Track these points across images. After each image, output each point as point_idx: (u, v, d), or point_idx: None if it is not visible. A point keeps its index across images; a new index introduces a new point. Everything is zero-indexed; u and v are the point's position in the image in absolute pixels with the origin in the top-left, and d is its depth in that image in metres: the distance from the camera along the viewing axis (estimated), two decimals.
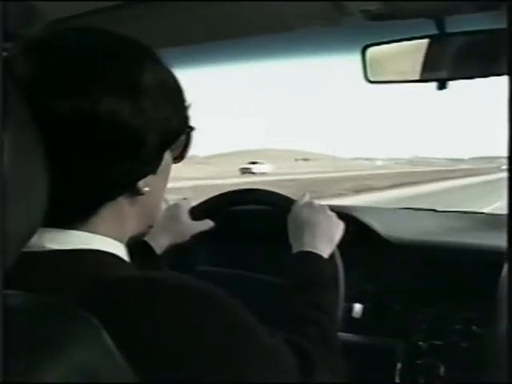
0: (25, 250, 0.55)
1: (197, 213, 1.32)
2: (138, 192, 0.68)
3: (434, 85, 1.16)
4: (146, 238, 1.20)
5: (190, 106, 0.74)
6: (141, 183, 0.68)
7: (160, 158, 0.71)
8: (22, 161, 0.48)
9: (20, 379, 0.45)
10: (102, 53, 0.64)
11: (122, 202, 0.69)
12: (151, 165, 0.69)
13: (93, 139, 0.61)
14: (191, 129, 0.76)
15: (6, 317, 0.45)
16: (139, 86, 0.64)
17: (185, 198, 1.49)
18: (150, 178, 0.69)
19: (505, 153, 0.53)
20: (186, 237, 1.27)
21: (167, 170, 0.75)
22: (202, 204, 1.35)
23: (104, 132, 0.61)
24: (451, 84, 1.14)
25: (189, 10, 1.16)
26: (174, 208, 1.32)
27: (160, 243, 1.21)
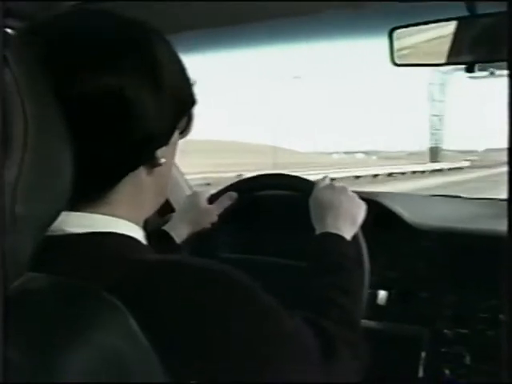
0: (47, 234, 0.56)
1: (215, 200, 1.31)
2: (156, 162, 0.71)
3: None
4: (165, 228, 1.20)
5: (194, 81, 0.76)
6: (158, 153, 0.70)
7: (173, 129, 0.73)
8: (45, 143, 0.48)
9: (46, 362, 0.44)
10: (116, 31, 0.67)
11: (141, 174, 0.71)
12: (166, 135, 0.72)
13: (117, 114, 0.64)
14: (196, 103, 0.78)
15: (6, 317, 0.44)
16: (154, 60, 0.67)
17: (208, 184, 1.49)
18: (164, 148, 0.71)
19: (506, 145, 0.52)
20: (206, 224, 1.27)
21: (175, 144, 0.77)
22: (220, 192, 1.34)
23: (124, 108, 0.64)
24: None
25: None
26: (193, 196, 1.32)
27: (180, 232, 1.22)
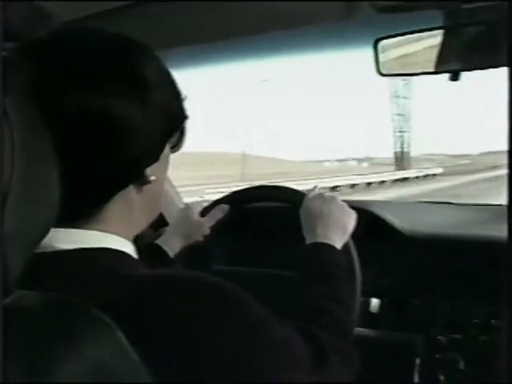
0: (37, 250, 0.56)
1: (207, 213, 1.32)
2: (145, 180, 0.71)
3: None
4: (158, 242, 1.21)
5: (185, 97, 0.77)
6: (148, 171, 0.70)
7: (163, 146, 0.73)
8: (33, 161, 0.49)
9: (34, 377, 0.45)
10: (105, 50, 0.68)
11: (131, 192, 0.71)
12: (156, 152, 0.72)
13: (102, 133, 0.64)
14: (187, 118, 0.79)
15: (6, 318, 0.45)
16: (143, 80, 0.67)
17: (202, 196, 1.50)
18: (154, 166, 0.72)
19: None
20: (199, 237, 1.28)
21: (166, 159, 0.78)
22: (212, 204, 1.35)
23: (113, 126, 0.64)
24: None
25: (198, 10, 1.17)
26: (185, 210, 1.33)
27: (173, 246, 1.22)
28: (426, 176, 41.33)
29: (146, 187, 0.72)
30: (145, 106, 0.67)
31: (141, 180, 0.71)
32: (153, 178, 0.71)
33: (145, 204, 0.75)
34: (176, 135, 0.77)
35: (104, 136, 0.64)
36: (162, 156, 0.74)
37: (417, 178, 39.42)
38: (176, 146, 0.80)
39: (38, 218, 0.50)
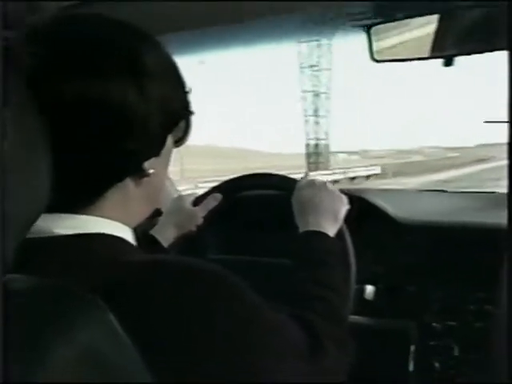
0: (34, 235, 0.56)
1: (200, 203, 1.31)
2: (143, 173, 0.70)
3: None
4: (152, 232, 1.21)
5: (190, 90, 0.76)
6: (146, 164, 0.69)
7: (163, 140, 0.72)
8: (24, 145, 0.49)
9: (27, 363, 0.45)
10: (104, 38, 0.66)
11: (129, 184, 0.70)
12: (155, 146, 0.71)
13: (99, 122, 0.63)
14: (190, 113, 0.77)
15: (6, 318, 0.45)
16: (142, 69, 0.66)
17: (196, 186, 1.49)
18: (154, 160, 0.71)
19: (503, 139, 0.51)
20: (192, 227, 1.28)
21: (169, 154, 0.77)
22: (205, 194, 1.35)
23: (110, 115, 0.63)
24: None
25: None
26: (178, 200, 1.33)
27: (166, 236, 1.22)
28: (353, 178, 33.13)
29: (145, 180, 0.71)
30: (143, 97, 0.65)
31: (139, 173, 0.70)
32: (152, 171, 0.70)
33: (144, 196, 0.74)
34: (179, 129, 0.76)
35: (100, 126, 0.64)
36: (163, 150, 0.73)
37: (335, 182, 25.17)
38: (180, 141, 0.78)
39: (28, 201, 0.50)
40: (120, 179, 0.69)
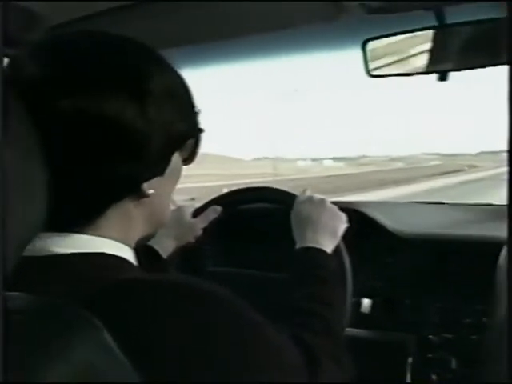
0: (31, 254, 0.56)
1: (200, 215, 1.32)
2: (142, 194, 0.68)
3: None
4: (150, 243, 1.20)
5: (199, 110, 0.75)
6: (145, 185, 0.68)
7: (166, 161, 0.71)
8: (21, 163, 0.49)
9: (21, 380, 0.45)
10: (109, 56, 0.65)
11: (128, 204, 0.69)
12: (156, 167, 0.69)
13: (95, 140, 0.62)
14: (200, 131, 0.76)
15: (6, 318, 0.45)
16: (144, 90, 0.65)
17: (193, 199, 1.49)
18: (156, 180, 0.69)
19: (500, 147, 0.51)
20: (191, 238, 1.27)
21: (176, 172, 0.75)
22: (204, 206, 1.35)
23: (106, 133, 0.62)
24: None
25: (189, 10, 1.17)
26: (177, 211, 1.32)
27: (165, 247, 1.21)
28: None
29: (145, 200, 0.70)
30: (143, 117, 0.64)
31: (137, 194, 0.69)
32: (151, 191, 0.69)
33: (145, 216, 0.72)
34: (187, 148, 0.75)
35: (96, 144, 0.62)
36: (168, 170, 0.71)
37: None
38: (188, 160, 0.77)
39: (25, 219, 0.50)
40: (118, 199, 0.68)
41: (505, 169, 0.55)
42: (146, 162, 0.66)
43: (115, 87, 0.63)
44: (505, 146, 0.53)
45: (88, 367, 0.49)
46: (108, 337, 0.52)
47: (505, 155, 0.56)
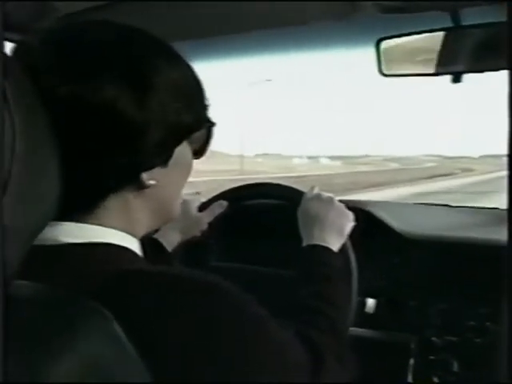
0: (38, 243, 0.56)
1: (206, 209, 1.32)
2: (142, 185, 0.68)
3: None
4: (156, 236, 1.20)
5: (208, 102, 0.74)
6: (145, 176, 0.67)
7: (169, 152, 0.70)
8: (35, 150, 0.48)
9: (30, 371, 0.45)
10: (113, 46, 0.65)
11: (127, 194, 0.69)
12: (156, 158, 0.68)
13: (92, 128, 0.62)
14: (211, 124, 0.76)
15: (6, 322, 0.45)
16: (145, 81, 0.64)
17: (197, 193, 1.49)
18: (158, 171, 0.69)
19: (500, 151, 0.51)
20: (196, 232, 1.28)
21: (184, 165, 0.75)
22: (211, 200, 1.35)
23: (103, 121, 0.62)
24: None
25: (199, 4, 1.17)
26: (183, 205, 1.31)
27: (170, 240, 1.22)
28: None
29: (147, 191, 0.70)
30: (142, 108, 0.63)
31: (136, 184, 0.68)
32: (151, 182, 0.68)
33: (148, 207, 0.72)
34: (198, 140, 0.75)
35: (93, 134, 0.62)
36: (173, 161, 0.70)
37: None
38: (199, 153, 0.77)
39: (38, 209, 0.50)
40: (116, 189, 0.67)
41: (500, 173, 0.55)
42: (144, 151, 0.66)
43: (114, 77, 0.62)
44: (505, 150, 0.53)
45: (96, 357, 0.49)
46: (117, 327, 0.52)
47: (505, 159, 0.55)
